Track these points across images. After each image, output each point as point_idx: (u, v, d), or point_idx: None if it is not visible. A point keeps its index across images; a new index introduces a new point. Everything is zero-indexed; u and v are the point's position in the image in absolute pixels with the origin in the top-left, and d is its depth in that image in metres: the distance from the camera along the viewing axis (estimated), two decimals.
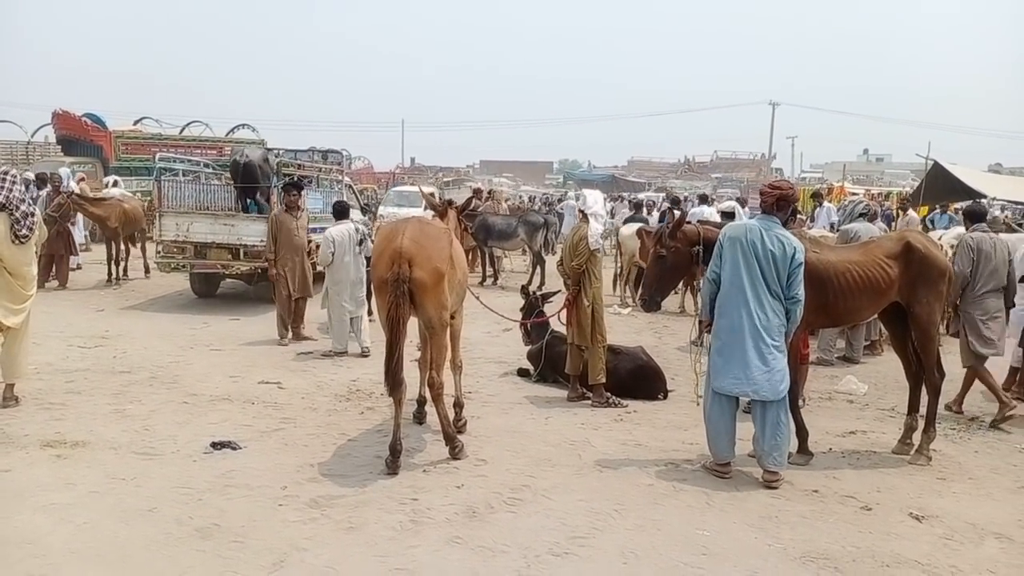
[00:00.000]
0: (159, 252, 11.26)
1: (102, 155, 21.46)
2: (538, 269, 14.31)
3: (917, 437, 5.83)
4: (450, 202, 6.89)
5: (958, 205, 14.83)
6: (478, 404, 6.81)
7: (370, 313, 8.97)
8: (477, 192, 18.03)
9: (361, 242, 8.76)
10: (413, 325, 5.55)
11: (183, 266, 11.22)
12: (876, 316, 6.28)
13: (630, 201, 19.49)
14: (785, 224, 5.36)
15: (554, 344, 7.62)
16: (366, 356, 8.52)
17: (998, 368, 7.38)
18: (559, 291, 7.91)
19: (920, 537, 4.47)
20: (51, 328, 8.89)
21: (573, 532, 4.35)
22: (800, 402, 6.01)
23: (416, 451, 5.62)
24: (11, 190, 6.07)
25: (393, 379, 5.10)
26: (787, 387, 5.18)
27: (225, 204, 11.68)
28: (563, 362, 7.24)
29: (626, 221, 14.62)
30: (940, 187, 15.50)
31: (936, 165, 15.64)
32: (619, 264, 13.29)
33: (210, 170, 12.73)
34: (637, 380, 7.28)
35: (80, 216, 13.98)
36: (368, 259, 8.20)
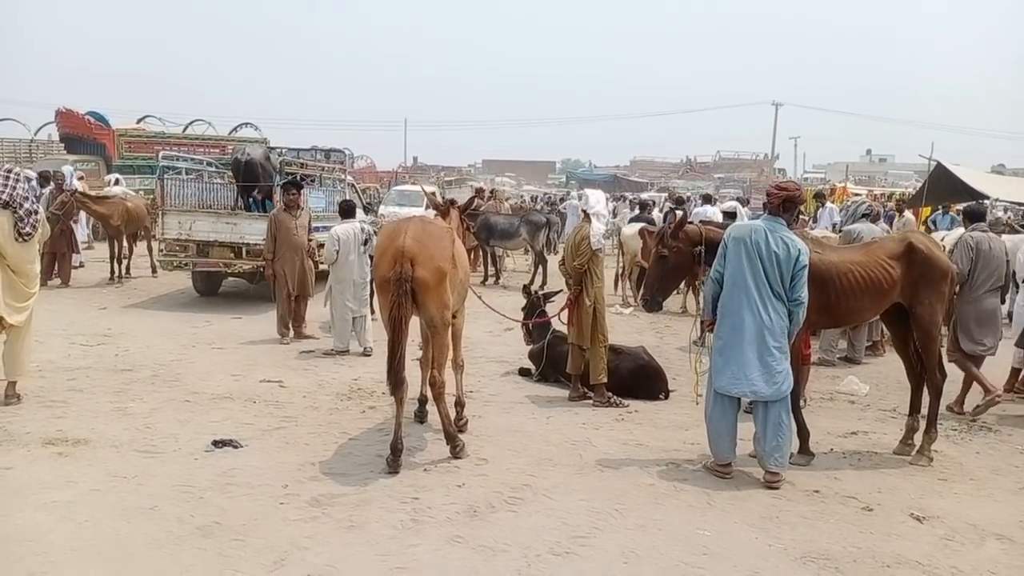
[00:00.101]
0: (161, 250, 11.29)
1: (105, 153, 21.52)
2: (540, 269, 14.31)
3: (918, 438, 5.82)
4: (452, 201, 6.89)
5: (960, 206, 14.78)
6: (479, 403, 6.82)
7: (372, 312, 8.98)
8: (479, 191, 18.07)
9: (366, 242, 8.75)
10: (415, 324, 5.55)
11: (185, 264, 11.23)
12: (878, 317, 6.28)
13: (632, 201, 19.47)
14: (789, 225, 5.36)
15: (556, 344, 7.62)
16: (368, 355, 8.52)
17: (999, 369, 7.38)
18: (561, 291, 7.92)
19: (921, 538, 4.47)
20: (53, 326, 8.90)
21: (574, 531, 4.35)
22: (801, 402, 6.00)
23: (417, 450, 5.62)
24: (15, 188, 6.10)
25: (395, 378, 5.11)
26: (789, 387, 5.17)
27: (228, 203, 11.72)
28: (564, 362, 7.24)
29: (631, 220, 14.63)
30: (943, 188, 15.44)
31: (939, 166, 15.58)
32: (620, 264, 13.28)
33: (213, 169, 12.75)
34: (638, 380, 7.28)
35: (83, 214, 14.01)
36: (372, 258, 8.21)
